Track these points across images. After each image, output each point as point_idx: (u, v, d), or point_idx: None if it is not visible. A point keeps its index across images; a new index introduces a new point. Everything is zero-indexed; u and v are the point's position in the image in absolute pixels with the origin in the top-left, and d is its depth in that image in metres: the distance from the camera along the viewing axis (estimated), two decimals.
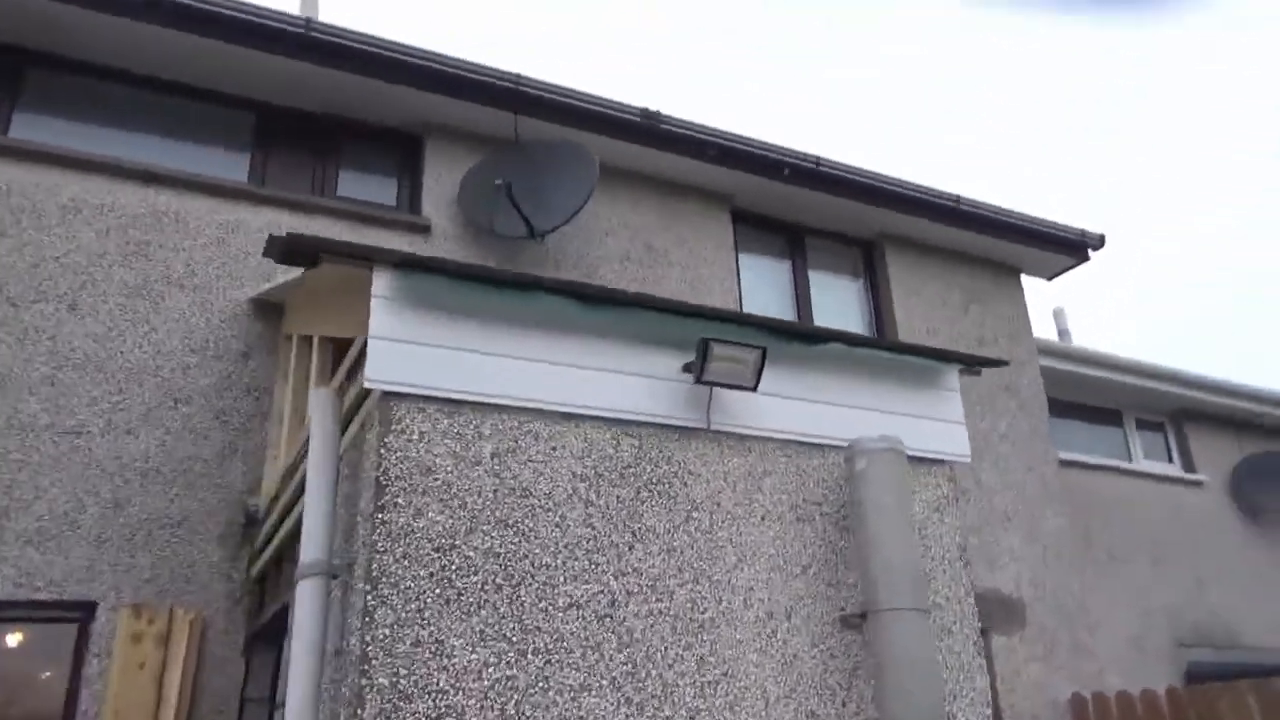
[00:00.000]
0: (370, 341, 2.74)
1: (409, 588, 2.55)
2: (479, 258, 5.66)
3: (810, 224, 7.42)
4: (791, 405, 3.34)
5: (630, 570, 2.87)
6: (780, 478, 3.25)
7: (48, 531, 4.11)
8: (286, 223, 5.13)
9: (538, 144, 5.93)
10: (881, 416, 3.45)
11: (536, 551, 2.76)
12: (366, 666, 2.43)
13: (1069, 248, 8.22)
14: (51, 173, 4.76)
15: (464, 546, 2.67)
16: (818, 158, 6.91)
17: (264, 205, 5.22)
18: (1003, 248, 7.98)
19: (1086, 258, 8.44)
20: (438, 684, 2.49)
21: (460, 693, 2.50)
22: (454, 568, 2.63)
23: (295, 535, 3.77)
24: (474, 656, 2.56)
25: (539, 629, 2.67)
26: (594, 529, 2.86)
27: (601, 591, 2.80)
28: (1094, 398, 9.34)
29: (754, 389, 3.11)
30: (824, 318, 7.10)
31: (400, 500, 2.63)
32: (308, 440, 3.47)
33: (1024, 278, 8.41)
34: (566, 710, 2.61)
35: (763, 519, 3.15)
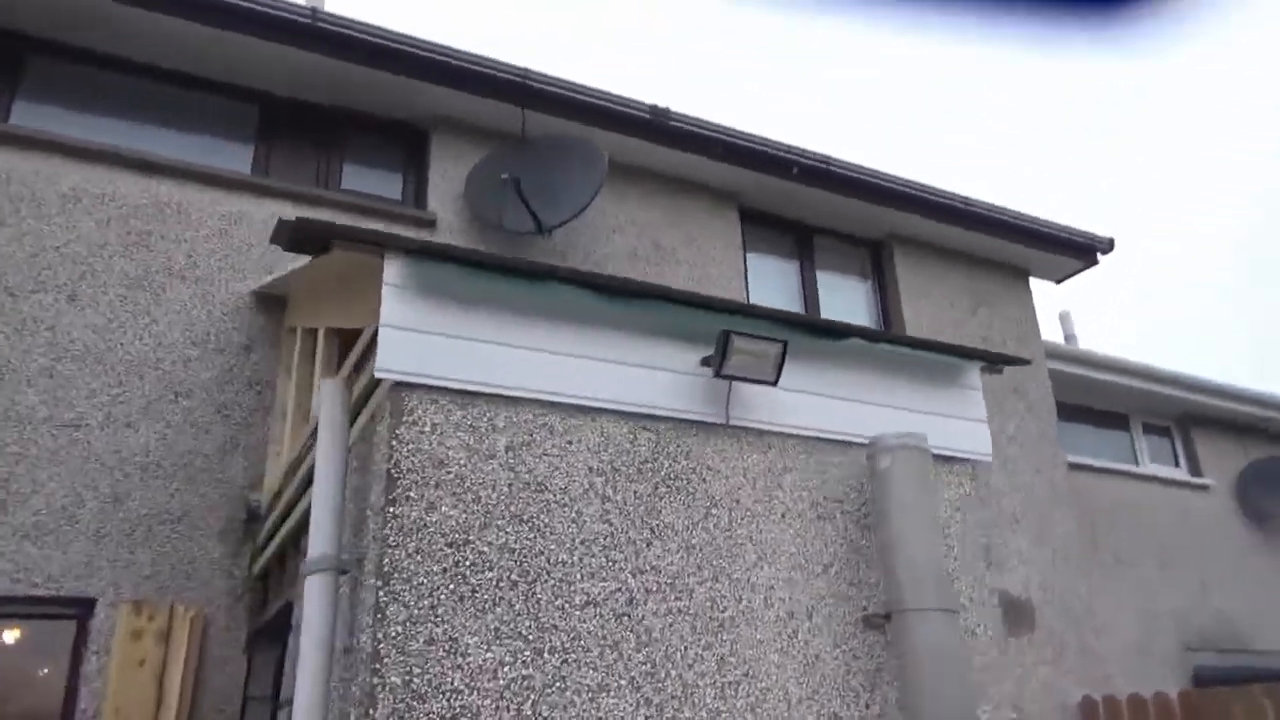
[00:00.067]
0: (381, 330, 2.65)
1: (422, 584, 2.47)
2: None
3: (818, 224, 7.36)
4: (811, 401, 3.26)
5: (648, 568, 2.78)
6: (800, 475, 3.16)
7: (45, 526, 4.01)
8: (290, 215, 4.98)
9: (545, 139, 5.85)
10: (902, 414, 3.37)
11: (552, 548, 2.67)
12: (378, 665, 2.34)
13: (1078, 251, 8.16)
14: (52, 161, 4.68)
15: (478, 542, 2.58)
16: (827, 157, 6.84)
17: (267, 197, 5.13)
18: (1011, 250, 7.92)
19: (1095, 261, 8.38)
20: (452, 683, 2.40)
21: (475, 692, 2.41)
22: (468, 563, 2.54)
23: (299, 531, 3.69)
24: (489, 655, 2.47)
25: (556, 627, 2.58)
26: (611, 525, 2.78)
27: (619, 589, 2.71)
28: (1101, 401, 9.28)
29: (774, 383, 3.03)
30: (832, 318, 7.03)
31: (412, 494, 2.55)
32: (314, 433, 3.39)
33: (1032, 281, 8.37)
34: (585, 711, 2.52)
35: (783, 516, 3.07)
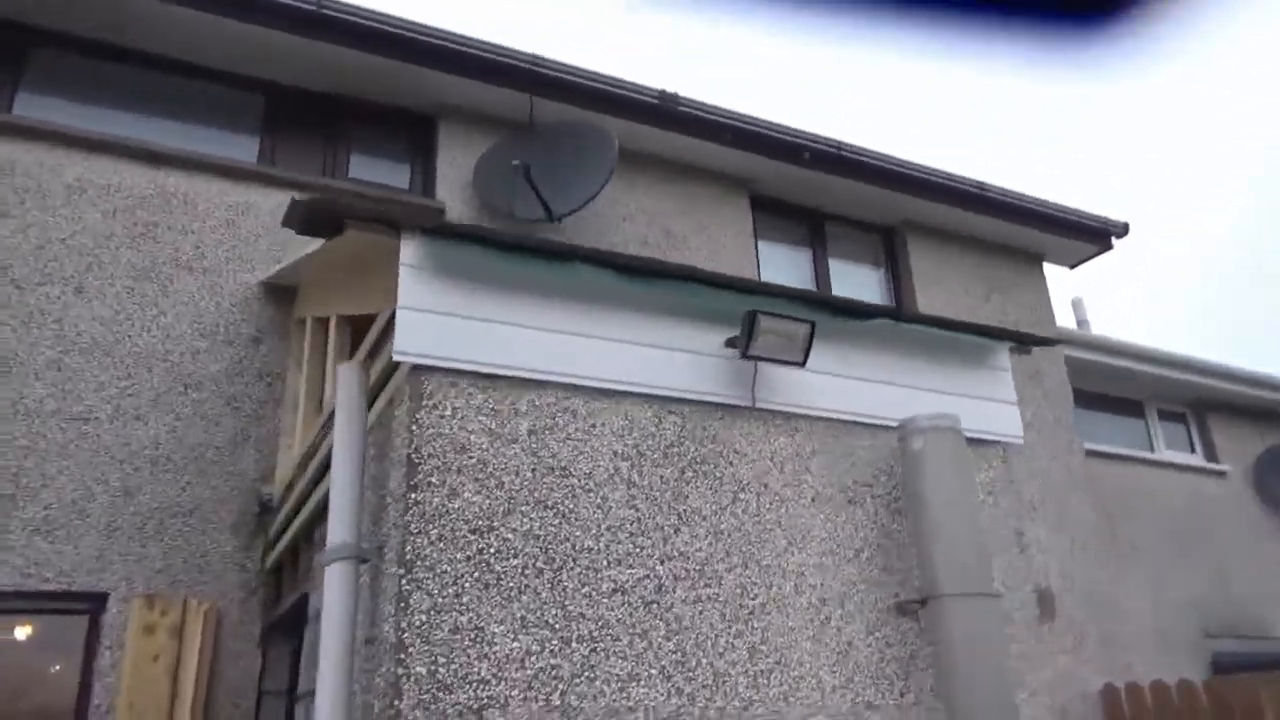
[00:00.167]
0: (399, 312, 2.57)
1: (445, 571, 2.39)
2: None
3: (830, 210, 7.26)
4: (837, 383, 3.18)
5: (676, 554, 2.70)
6: (829, 458, 3.08)
7: (56, 520, 3.94)
8: None
9: (554, 126, 5.76)
10: (930, 395, 3.29)
11: (578, 534, 2.59)
12: (403, 655, 2.27)
13: (1092, 235, 8.07)
14: (56, 152, 4.60)
15: (502, 528, 2.51)
16: (839, 142, 6.74)
17: (273, 187, 5.05)
18: (1025, 235, 7.82)
19: (1110, 245, 8.29)
20: (478, 673, 2.32)
21: (502, 682, 2.34)
22: (492, 551, 2.47)
23: (314, 523, 3.61)
24: (516, 644, 2.39)
25: (583, 615, 2.50)
26: (637, 510, 2.70)
27: (647, 576, 2.64)
28: (1115, 388, 9.18)
29: (802, 364, 2.95)
30: None
31: (434, 479, 2.47)
32: (327, 422, 3.31)
33: (1046, 266, 8.27)
34: (614, 701, 2.45)
35: (812, 501, 2.99)
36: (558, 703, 2.39)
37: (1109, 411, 9.24)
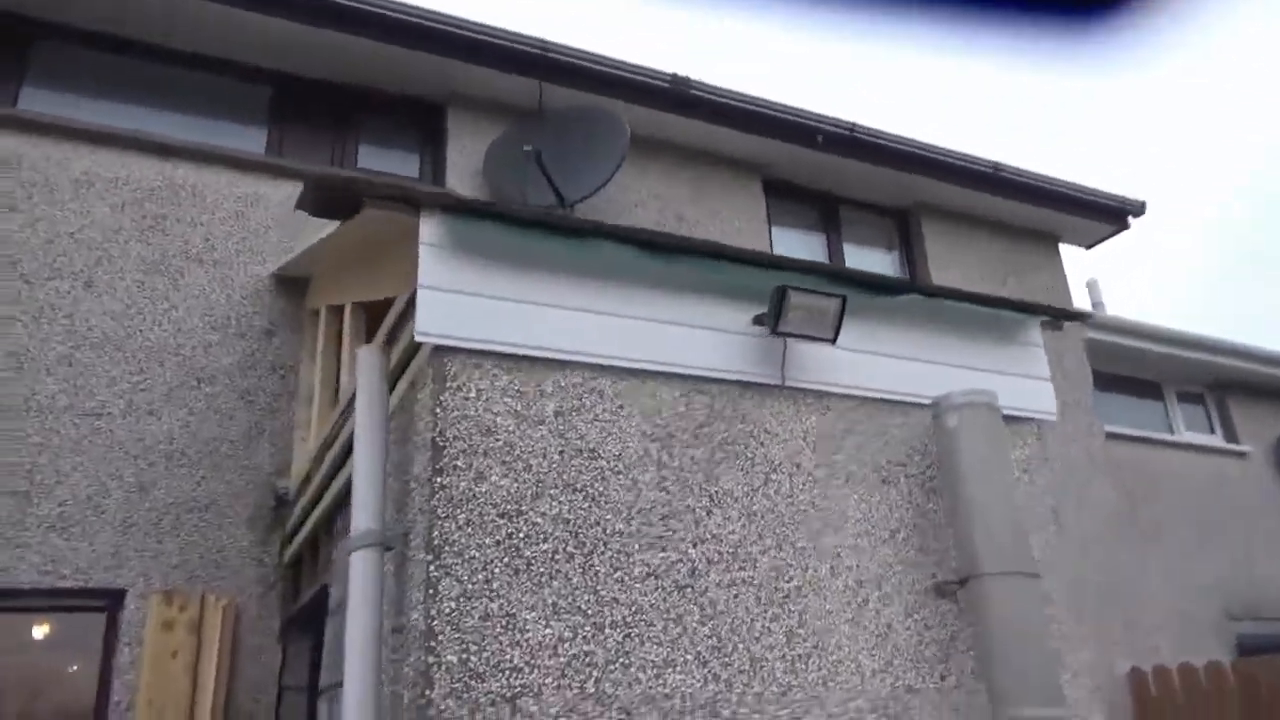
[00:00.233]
0: (419, 291, 2.50)
1: (474, 557, 2.32)
2: None
3: (844, 194, 7.17)
4: (868, 360, 3.10)
5: (709, 537, 2.63)
6: (861, 437, 3.00)
7: (71, 517, 3.89)
8: None
9: (564, 112, 5.68)
10: (962, 372, 3.20)
11: (608, 517, 2.52)
12: (433, 643, 2.20)
13: (1109, 215, 7.96)
14: (63, 145, 4.54)
15: (531, 512, 2.43)
16: (852, 124, 6.65)
17: (282, 178, 4.98)
18: (1041, 216, 7.72)
19: (1126, 225, 8.18)
20: (511, 661, 2.25)
21: (535, 670, 2.27)
22: (521, 535, 2.39)
23: (332, 514, 3.55)
24: (548, 631, 2.32)
25: (616, 600, 2.43)
26: (668, 493, 2.62)
27: (680, 560, 2.56)
28: (1133, 369, 9.07)
29: (833, 341, 2.87)
30: None
31: (460, 463, 2.40)
32: (347, 408, 3.24)
33: (1062, 247, 8.16)
34: (650, 687, 2.37)
35: (846, 481, 2.91)
36: (592, 690, 2.31)
37: (1127, 393, 9.13)
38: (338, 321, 4.22)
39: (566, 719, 2.26)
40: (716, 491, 2.69)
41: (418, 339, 2.48)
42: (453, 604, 2.25)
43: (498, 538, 2.37)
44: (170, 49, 5.05)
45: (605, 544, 2.48)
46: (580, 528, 2.47)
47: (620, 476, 2.58)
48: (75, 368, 4.16)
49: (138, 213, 4.58)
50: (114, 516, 3.96)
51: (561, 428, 2.56)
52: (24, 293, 4.20)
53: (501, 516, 2.39)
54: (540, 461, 2.50)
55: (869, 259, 7.30)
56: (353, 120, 5.52)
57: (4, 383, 4.01)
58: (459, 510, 2.35)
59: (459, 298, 2.54)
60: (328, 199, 2.64)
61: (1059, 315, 3.49)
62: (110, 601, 3.83)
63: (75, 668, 4.04)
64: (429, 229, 2.56)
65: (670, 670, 2.42)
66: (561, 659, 2.31)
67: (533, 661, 2.28)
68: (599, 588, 2.43)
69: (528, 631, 2.30)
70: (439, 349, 2.50)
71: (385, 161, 5.60)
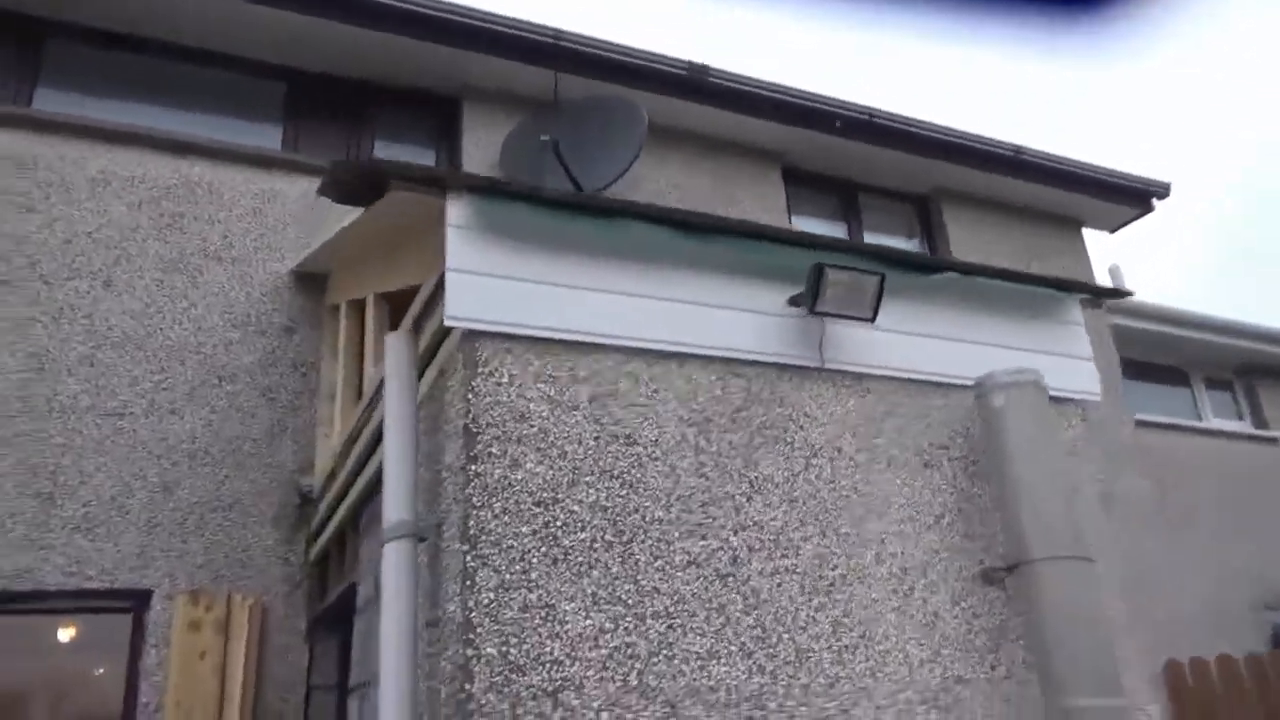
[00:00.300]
0: (448, 275, 2.43)
1: (511, 546, 2.25)
2: None
3: (864, 180, 7.07)
4: (907, 342, 3.01)
5: (750, 524, 2.54)
6: (902, 420, 2.91)
7: (96, 518, 3.84)
8: None
9: (581, 102, 5.60)
10: (1002, 352, 3.10)
11: (647, 504, 2.44)
12: (471, 635, 2.13)
13: (1133, 198, 7.83)
14: (79, 145, 4.50)
15: (567, 500, 2.36)
16: (870, 109, 6.55)
17: (299, 173, 4.93)
18: (1064, 199, 7.59)
19: (1151, 208, 8.04)
20: (551, 653, 2.18)
21: (577, 663, 2.19)
22: (558, 523, 2.32)
23: (359, 509, 3.49)
24: (588, 622, 2.25)
25: (657, 590, 2.35)
26: (707, 479, 2.54)
27: (721, 548, 2.48)
28: (1160, 355, 8.93)
29: (872, 320, 2.78)
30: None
31: (494, 450, 2.32)
32: (372, 401, 3.18)
33: (1085, 232, 8.03)
34: (694, 680, 2.29)
35: (888, 465, 2.82)
36: (635, 683, 2.24)
37: (1154, 380, 8.98)
38: (359, 316, 4.16)
39: (609, 713, 2.19)
40: (756, 477, 2.61)
41: (447, 323, 2.41)
42: (490, 595, 2.18)
43: (534, 526, 2.29)
44: (184, 46, 5.01)
45: (644, 532, 2.41)
46: (618, 515, 2.39)
47: (657, 463, 2.50)
48: (97, 368, 4.12)
49: (155, 211, 4.54)
50: (138, 517, 3.91)
51: (596, 413, 2.48)
52: (43, 293, 4.16)
53: (538, 505, 2.32)
54: (575, 448, 2.42)
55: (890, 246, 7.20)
56: (367, 115, 5.46)
57: (26, 384, 3.97)
58: (494, 499, 2.28)
59: (489, 281, 2.47)
60: (352, 184, 2.57)
61: (1099, 293, 3.40)
62: (136, 602, 3.79)
63: (101, 670, 4.00)
64: (456, 211, 2.49)
65: (714, 662, 2.34)
66: (603, 651, 2.24)
67: (573, 654, 2.20)
68: (639, 577, 2.35)
69: (568, 623, 2.23)
70: (469, 334, 2.42)
71: (400, 155, 5.53)
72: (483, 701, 2.07)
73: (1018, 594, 2.74)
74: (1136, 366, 8.68)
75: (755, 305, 2.81)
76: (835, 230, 7.00)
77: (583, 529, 2.34)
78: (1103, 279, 10.67)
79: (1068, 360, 3.27)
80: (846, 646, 2.51)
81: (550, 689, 2.15)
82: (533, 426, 2.39)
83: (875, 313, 2.77)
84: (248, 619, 3.70)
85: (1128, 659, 2.92)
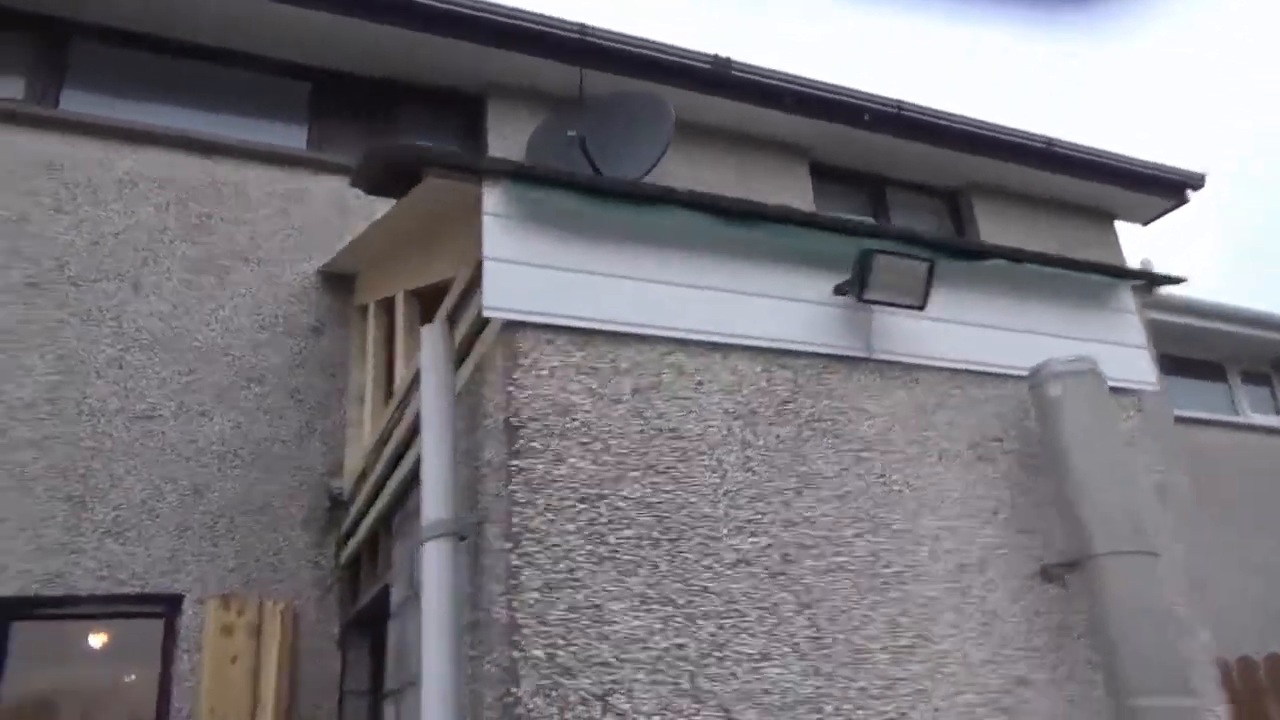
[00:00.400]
0: (486, 264, 2.35)
1: (556, 545, 2.16)
2: None
3: (892, 175, 6.95)
4: (956, 331, 2.90)
5: (800, 520, 2.45)
6: (954, 412, 2.81)
7: (126, 522, 3.80)
8: (349, 190, 4.77)
9: (605, 98, 5.53)
10: (1054, 340, 2.99)
11: (694, 500, 2.35)
12: (517, 637, 2.04)
13: (1167, 189, 7.66)
14: (105, 146, 4.48)
15: (613, 496, 2.27)
16: (899, 101, 6.43)
17: (324, 173, 4.90)
18: (1096, 192, 7.44)
19: (1185, 199, 7.87)
20: (600, 655, 2.09)
21: (626, 665, 2.11)
22: (604, 521, 2.24)
23: (392, 511, 3.42)
24: (637, 623, 2.16)
25: (706, 589, 2.26)
26: (755, 473, 2.45)
27: (771, 545, 2.38)
28: (1197, 350, 8.75)
29: (922, 307, 2.68)
30: None
31: (536, 444, 2.24)
32: (404, 399, 3.12)
33: (1118, 224, 7.87)
34: (747, 683, 2.20)
35: (939, 459, 2.72)
36: (687, 686, 2.15)
37: (1190, 375, 8.80)
38: (388, 315, 4.10)
39: (660, 718, 2.10)
40: (805, 471, 2.52)
41: (486, 313, 2.34)
42: (536, 595, 2.10)
43: (579, 524, 2.21)
44: (208, 46, 4.99)
45: (692, 529, 2.32)
46: (665, 512, 2.31)
47: (704, 457, 2.41)
48: (126, 370, 4.09)
49: (182, 212, 4.51)
50: (169, 520, 3.87)
51: (640, 406, 2.40)
52: (72, 295, 4.14)
53: (582, 501, 2.24)
54: (620, 442, 2.34)
55: None
56: (392, 114, 5.42)
57: (55, 387, 3.95)
58: (538, 495, 2.19)
59: (527, 269, 2.39)
60: (385, 172, 2.51)
61: (1152, 279, 3.27)
62: (168, 607, 3.74)
63: (133, 677, 3.96)
64: (492, 198, 2.41)
65: (767, 664, 2.25)
66: (653, 652, 2.15)
67: (623, 656, 2.12)
68: (688, 575, 2.26)
69: (616, 624, 2.14)
70: (509, 324, 2.35)
71: None
72: (530, 706, 1.99)
73: (1079, 591, 2.63)
74: (1172, 361, 8.50)
75: (799, 294, 2.72)
76: None
77: (629, 526, 2.26)
78: None
79: (1121, 349, 3.15)
80: (904, 647, 2.41)
81: (600, 692, 2.06)
82: (575, 420, 2.31)
83: (925, 299, 2.67)
84: (280, 623, 3.64)
85: (1193, 657, 2.80)
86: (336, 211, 4.77)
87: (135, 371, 4.11)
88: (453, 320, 2.77)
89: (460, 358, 2.68)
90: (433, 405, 2.43)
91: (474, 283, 2.52)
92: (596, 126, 5.38)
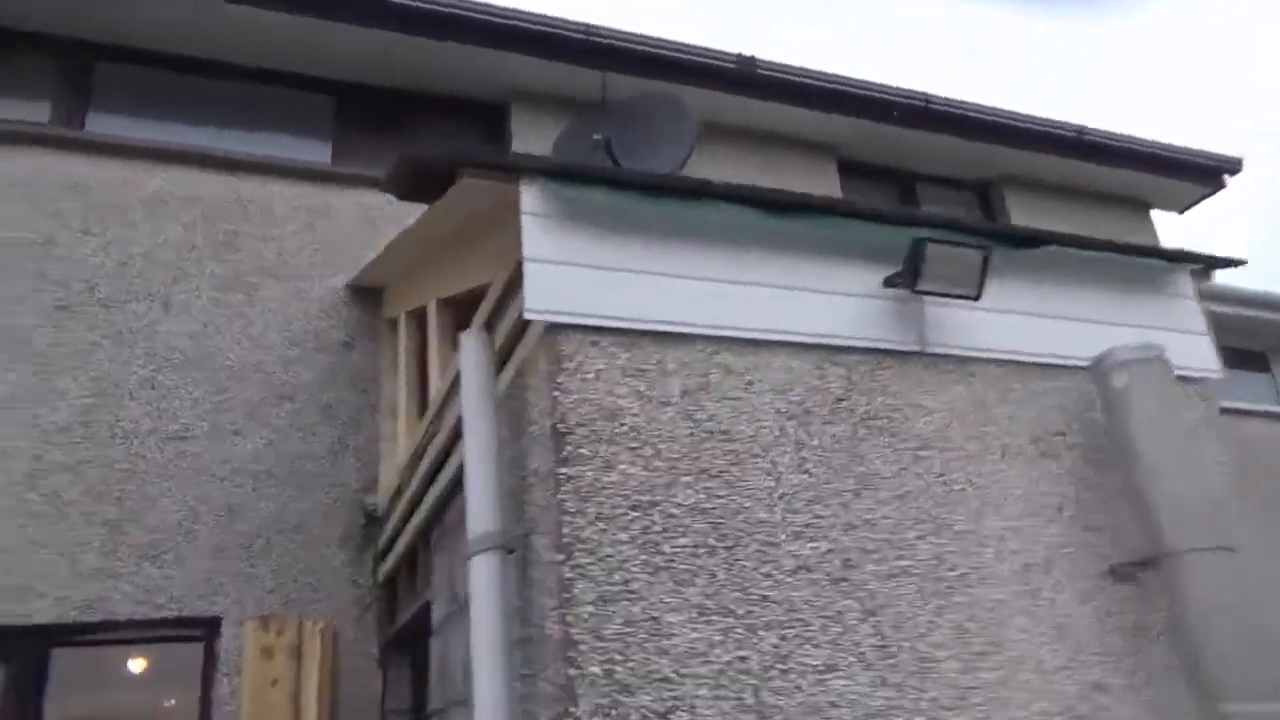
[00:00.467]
0: (526, 265, 2.28)
1: (609, 555, 2.07)
2: None
3: (922, 170, 6.83)
4: (1010, 321, 2.79)
5: (860, 522, 2.34)
6: (1013, 406, 2.69)
7: (163, 544, 3.75)
8: (375, 203, 4.75)
9: (629, 101, 5.45)
10: (1113, 329, 2.87)
11: (749, 505, 2.25)
12: (573, 653, 1.95)
13: (1203, 175, 7.47)
14: (131, 166, 4.47)
15: (666, 503, 2.18)
16: (926, 94, 6.32)
17: (350, 187, 4.86)
18: (1130, 180, 7.27)
19: (1222, 185, 7.67)
20: (659, 671, 2.00)
21: (687, 680, 2.01)
22: (658, 529, 2.14)
23: (430, 526, 3.35)
24: (697, 636, 2.06)
25: (766, 598, 2.16)
26: (811, 475, 2.35)
27: (831, 550, 2.28)
28: (1239, 339, 8.49)
29: (976, 297, 2.57)
30: None
31: (585, 451, 2.16)
32: (441, 409, 3.05)
33: (1154, 214, 7.69)
34: (813, 696, 2.09)
35: (1001, 455, 2.60)
36: (751, 701, 2.04)
37: (1231, 365, 8.55)
38: (419, 327, 4.05)
39: None
40: (863, 472, 2.41)
41: (527, 316, 2.26)
42: (590, 609, 2.00)
43: (632, 533, 2.12)
44: (231, 64, 4.98)
45: (749, 535, 2.22)
46: (720, 518, 2.21)
47: (758, 459, 2.31)
48: (158, 390, 4.06)
49: (209, 230, 4.48)
50: (205, 542, 3.82)
51: (689, 408, 2.31)
52: (102, 317, 4.12)
53: (634, 509, 2.15)
54: (670, 446, 2.24)
55: None
56: (417, 126, 5.38)
57: (89, 410, 3.92)
58: (588, 504, 2.11)
59: (568, 270, 2.31)
60: (418, 176, 2.44)
61: (1210, 262, 3.14)
62: (206, 630, 3.69)
63: (173, 702, 3.91)
64: (530, 197, 2.34)
65: (833, 675, 2.14)
66: (714, 666, 2.05)
67: (683, 671, 2.02)
68: (747, 584, 2.16)
69: (675, 637, 2.04)
70: (551, 327, 2.27)
71: None
72: None
73: (1154, 590, 2.50)
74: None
75: (848, 287, 2.62)
76: None
77: (684, 534, 2.16)
78: None
79: (1183, 336, 3.02)
80: (975, 654, 2.29)
81: (662, 710, 1.96)
82: (624, 425, 2.22)
83: (981, 289, 2.56)
84: (320, 643, 3.57)
85: None
86: (362, 225, 4.72)
87: (168, 392, 4.07)
88: (490, 325, 2.70)
89: (500, 364, 2.60)
90: (475, 413, 2.35)
91: (512, 286, 2.45)
92: (620, 130, 5.30)
